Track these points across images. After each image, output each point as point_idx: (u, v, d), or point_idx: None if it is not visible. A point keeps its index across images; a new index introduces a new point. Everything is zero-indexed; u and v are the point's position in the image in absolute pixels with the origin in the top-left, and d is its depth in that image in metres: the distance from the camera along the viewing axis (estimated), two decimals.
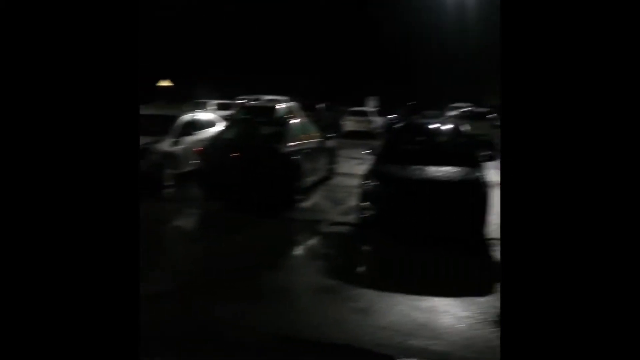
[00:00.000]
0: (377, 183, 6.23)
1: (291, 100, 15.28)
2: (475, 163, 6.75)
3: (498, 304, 4.17)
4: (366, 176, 6.48)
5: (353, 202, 7.35)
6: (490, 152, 7.50)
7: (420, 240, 5.75)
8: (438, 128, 8.79)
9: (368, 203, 6.20)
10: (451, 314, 3.94)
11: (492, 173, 10.58)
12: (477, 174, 6.38)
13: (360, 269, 5.42)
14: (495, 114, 22.78)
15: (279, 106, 13.41)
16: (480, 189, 6.07)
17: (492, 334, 3.61)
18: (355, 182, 7.00)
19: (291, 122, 8.72)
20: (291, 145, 7.98)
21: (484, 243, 5.96)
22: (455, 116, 21.28)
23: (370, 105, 28.03)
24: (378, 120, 22.96)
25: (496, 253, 5.65)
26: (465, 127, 8.36)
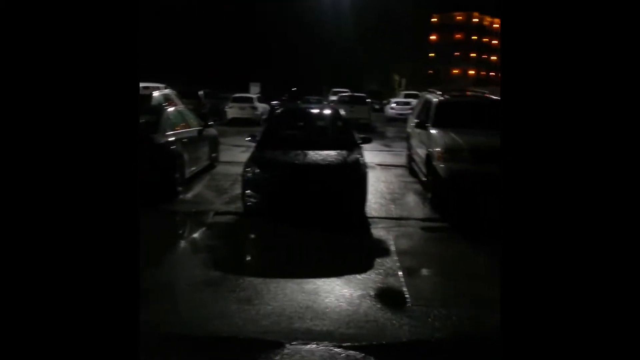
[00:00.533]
0: (258, 170, 6.18)
1: (167, 88, 14.53)
2: (353, 145, 6.99)
3: (377, 278, 4.40)
4: (247, 164, 6.39)
5: (237, 190, 7.23)
6: (368, 135, 7.83)
7: (303, 224, 5.83)
8: (318, 113, 8.96)
9: (250, 191, 6.14)
10: (333, 293, 4.05)
11: (370, 154, 11.14)
12: (356, 155, 6.62)
13: (245, 258, 5.36)
14: (371, 99, 23.77)
15: (154, 94, 12.69)
16: (358, 170, 6.31)
17: (370, 309, 3.78)
18: (239, 170, 6.87)
19: (168, 110, 8.29)
20: (168, 135, 7.60)
21: (365, 221, 6.24)
22: (335, 101, 21.93)
23: (253, 92, 27.77)
24: (262, 107, 22.83)
25: (376, 230, 5.94)
26: (344, 112, 8.62)
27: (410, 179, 9.09)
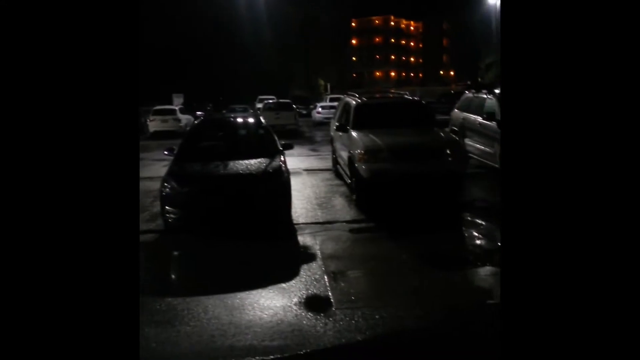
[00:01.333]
0: (176, 185, 5.95)
1: None
2: (275, 152, 6.93)
3: (302, 285, 4.35)
4: (164, 178, 6.14)
5: (158, 207, 6.92)
6: (290, 142, 7.78)
7: (226, 237, 5.68)
8: (238, 122, 8.81)
9: (170, 206, 5.89)
10: (257, 306, 3.95)
11: (297, 160, 11.13)
12: (278, 162, 6.56)
13: (166, 278, 5.12)
14: (298, 105, 23.84)
15: None
16: (280, 177, 6.26)
17: (295, 318, 3.73)
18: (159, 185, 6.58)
19: None
20: None
21: (290, 228, 6.19)
22: (261, 108, 21.79)
23: (176, 103, 26.97)
24: (186, 118, 22.21)
25: (302, 236, 5.91)
26: (266, 119, 8.54)
27: (337, 181, 9.16)
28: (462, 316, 3.77)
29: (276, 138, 7.47)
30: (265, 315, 3.78)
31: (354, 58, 79.26)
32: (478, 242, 5.75)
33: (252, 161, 6.47)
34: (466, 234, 6.12)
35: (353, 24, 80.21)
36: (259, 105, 24.50)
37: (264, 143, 7.26)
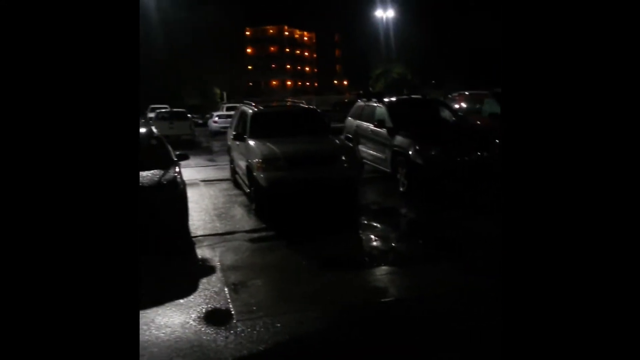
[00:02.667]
0: None
1: None
2: (169, 163, 6.67)
3: (201, 299, 4.23)
4: None
5: None
6: (186, 152, 7.54)
7: None
8: None
9: None
10: (154, 325, 3.77)
11: (194, 171, 10.80)
12: (172, 174, 6.32)
13: None
14: (193, 114, 23.15)
15: None
16: (175, 189, 6.04)
17: (194, 334, 3.62)
18: None
19: None
20: None
21: (188, 241, 5.99)
22: (153, 118, 20.83)
23: None
24: None
25: (201, 249, 5.74)
26: (157, 129, 8.18)
27: (235, 191, 9.05)
28: (359, 315, 3.92)
29: (170, 148, 7.20)
30: (163, 334, 3.61)
31: (249, 67, 79.02)
32: (374, 243, 6.02)
33: (144, 173, 6.17)
34: (362, 237, 6.37)
35: (247, 33, 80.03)
36: (151, 115, 23.41)
37: (157, 154, 6.96)
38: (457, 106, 11.27)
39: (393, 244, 5.89)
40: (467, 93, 11.97)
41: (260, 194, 7.09)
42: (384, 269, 5.05)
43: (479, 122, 10.23)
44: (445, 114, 9.83)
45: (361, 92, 23.07)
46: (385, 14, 34.61)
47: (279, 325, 3.69)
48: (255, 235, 6.29)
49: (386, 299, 4.29)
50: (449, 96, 12.54)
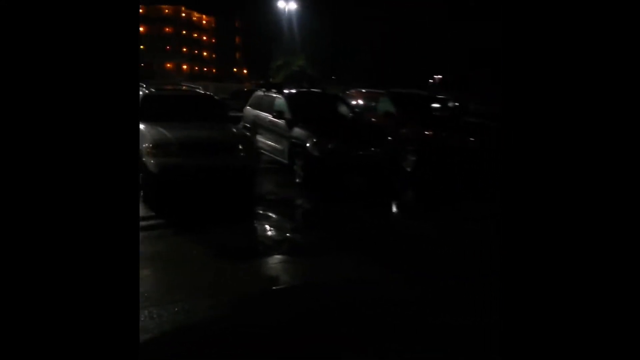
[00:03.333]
0: None
1: None
2: None
3: None
4: None
5: None
6: None
7: None
8: None
9: None
10: None
11: None
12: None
13: None
14: None
15: None
16: None
17: None
18: None
19: None
20: None
21: None
22: None
23: None
24: None
25: None
26: None
27: None
28: (251, 303, 3.88)
29: None
30: None
31: (141, 47, 74.51)
32: (268, 233, 6.00)
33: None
34: (257, 226, 6.32)
35: (140, 11, 75.30)
36: None
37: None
38: (353, 102, 11.62)
39: (288, 234, 5.92)
40: (363, 90, 12.39)
41: (150, 181, 6.70)
42: (277, 257, 5.06)
43: (374, 119, 10.65)
44: (343, 109, 10.09)
45: (262, 82, 22.86)
46: (287, 6, 34.62)
47: (166, 315, 3.53)
48: (144, 223, 5.94)
49: (279, 287, 4.31)
50: (346, 92, 12.89)
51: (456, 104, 12.77)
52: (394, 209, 7.74)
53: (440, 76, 24.46)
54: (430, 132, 9.82)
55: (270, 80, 35.38)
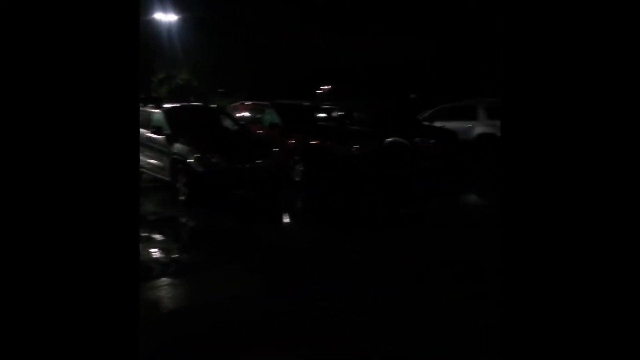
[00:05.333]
0: None
1: None
2: None
3: None
4: None
5: None
6: None
7: None
8: None
9: None
10: None
11: None
12: None
13: None
14: None
15: None
16: None
17: None
18: None
19: None
20: None
21: None
22: None
23: None
24: None
25: None
26: None
27: None
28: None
29: None
30: None
31: None
32: (153, 256, 5.59)
33: None
34: (141, 251, 5.86)
35: None
36: None
37: None
38: (238, 115, 11.44)
39: (174, 255, 5.57)
40: (248, 102, 12.27)
41: None
42: (165, 280, 4.72)
43: (259, 131, 10.55)
44: (227, 122, 9.86)
45: (142, 96, 21.66)
46: (167, 17, 33.42)
47: None
48: None
49: (167, 309, 4.02)
50: (231, 105, 12.66)
51: (341, 113, 13.13)
52: (283, 221, 7.68)
53: (328, 87, 25.16)
54: (317, 142, 9.96)
55: (153, 94, 33.79)
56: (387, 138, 11.61)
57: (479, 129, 13.09)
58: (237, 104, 12.64)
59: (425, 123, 13.34)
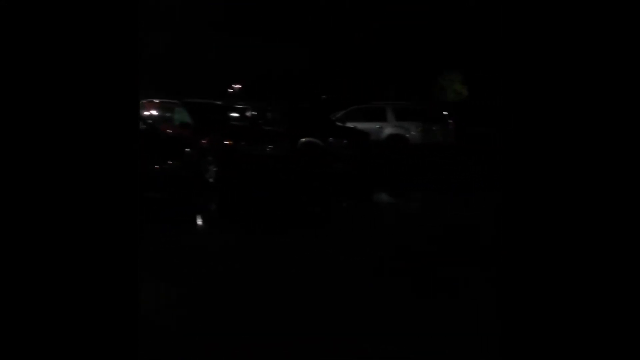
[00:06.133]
0: None
1: None
2: None
3: None
4: None
5: None
6: None
7: None
8: None
9: None
10: None
11: None
12: None
13: None
14: None
15: None
16: None
17: None
18: None
19: None
20: None
21: None
22: None
23: None
24: None
25: None
26: None
27: None
28: None
29: None
30: None
31: None
32: None
33: None
34: None
35: None
36: None
37: None
38: (146, 113, 10.88)
39: None
40: (156, 101, 11.71)
41: None
42: None
43: (170, 131, 10.12)
44: None
45: None
46: None
47: None
48: None
49: None
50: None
51: (254, 112, 12.99)
52: (197, 223, 7.42)
53: (239, 85, 24.78)
54: (230, 142, 9.76)
55: None
56: (302, 138, 11.67)
57: (388, 130, 13.61)
58: (144, 101, 12.02)
59: (339, 124, 13.62)
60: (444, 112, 14.51)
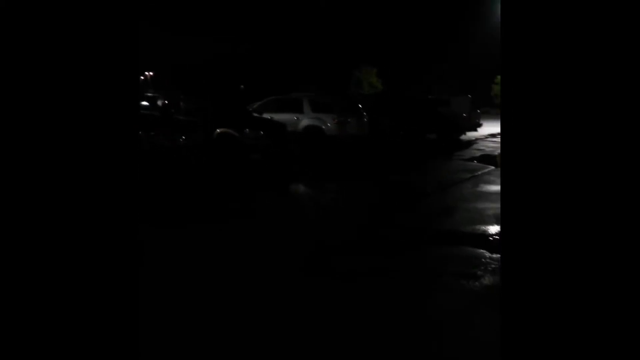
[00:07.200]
0: None
1: None
2: None
3: None
4: None
5: None
6: None
7: None
8: None
9: None
10: None
11: None
12: None
13: None
14: None
15: None
16: None
17: None
18: None
19: None
20: None
21: None
22: None
23: None
24: None
25: None
26: None
27: None
28: None
29: None
30: None
31: None
32: None
33: None
34: None
35: None
36: None
37: None
38: None
39: None
40: None
41: None
42: None
43: None
44: None
45: None
46: None
47: None
48: None
49: None
50: None
51: (166, 102, 12.44)
52: None
53: (151, 73, 23.61)
54: (139, 132, 9.27)
55: None
56: (217, 129, 11.38)
57: (305, 121, 13.66)
58: None
59: (255, 115, 13.45)
60: (359, 105, 14.82)
